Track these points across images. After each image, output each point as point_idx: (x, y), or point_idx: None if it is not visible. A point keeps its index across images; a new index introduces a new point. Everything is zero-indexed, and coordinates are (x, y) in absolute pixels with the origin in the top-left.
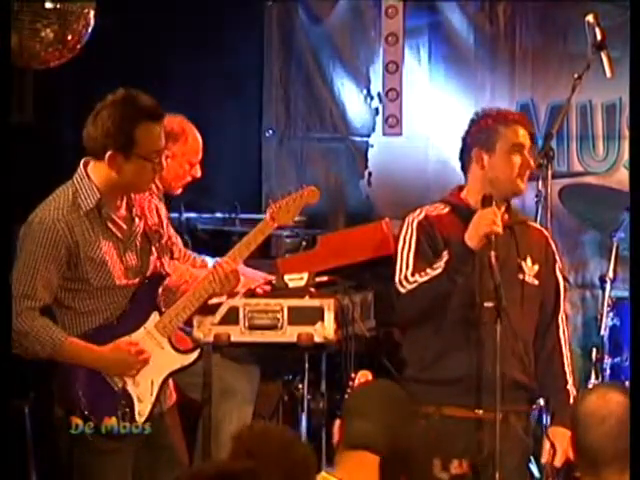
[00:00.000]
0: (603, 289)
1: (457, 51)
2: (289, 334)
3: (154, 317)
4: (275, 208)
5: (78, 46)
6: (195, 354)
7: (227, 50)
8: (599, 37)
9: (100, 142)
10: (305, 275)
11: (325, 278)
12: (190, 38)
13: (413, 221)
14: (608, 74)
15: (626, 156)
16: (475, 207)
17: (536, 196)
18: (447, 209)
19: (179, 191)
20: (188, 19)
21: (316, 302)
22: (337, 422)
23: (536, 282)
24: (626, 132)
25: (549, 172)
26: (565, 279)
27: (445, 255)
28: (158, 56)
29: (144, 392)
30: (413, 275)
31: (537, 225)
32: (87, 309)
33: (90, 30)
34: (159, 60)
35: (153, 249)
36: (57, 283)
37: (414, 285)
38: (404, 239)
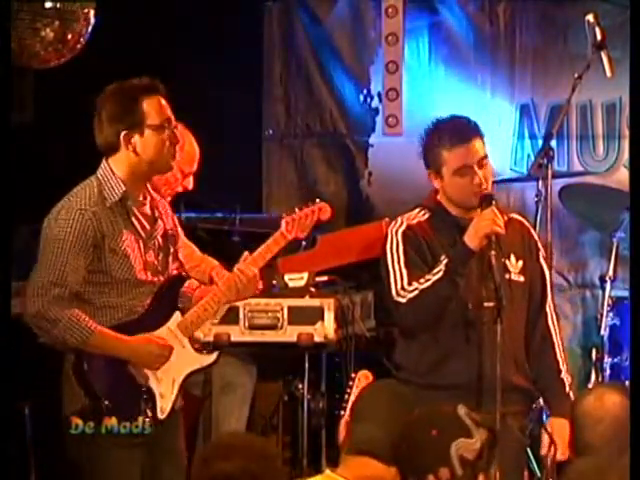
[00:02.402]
0: (603, 289)
1: (457, 51)
2: (289, 334)
3: (176, 317)
4: (290, 221)
5: (78, 46)
6: (214, 355)
7: (227, 50)
8: (599, 37)
9: (110, 130)
10: (305, 275)
11: (325, 278)
12: (190, 38)
13: (397, 232)
14: (608, 74)
15: (626, 156)
16: (451, 211)
17: (536, 196)
18: (427, 215)
19: (168, 199)
20: (188, 19)
21: (316, 302)
22: (343, 421)
23: (522, 278)
24: (626, 132)
25: (549, 172)
26: (564, 278)
27: (444, 258)
28: (158, 56)
29: (166, 389)
30: (410, 284)
31: (517, 216)
32: (105, 304)
33: (90, 30)
34: (159, 60)
35: (171, 251)
36: (83, 273)
37: (414, 293)
38: (391, 251)
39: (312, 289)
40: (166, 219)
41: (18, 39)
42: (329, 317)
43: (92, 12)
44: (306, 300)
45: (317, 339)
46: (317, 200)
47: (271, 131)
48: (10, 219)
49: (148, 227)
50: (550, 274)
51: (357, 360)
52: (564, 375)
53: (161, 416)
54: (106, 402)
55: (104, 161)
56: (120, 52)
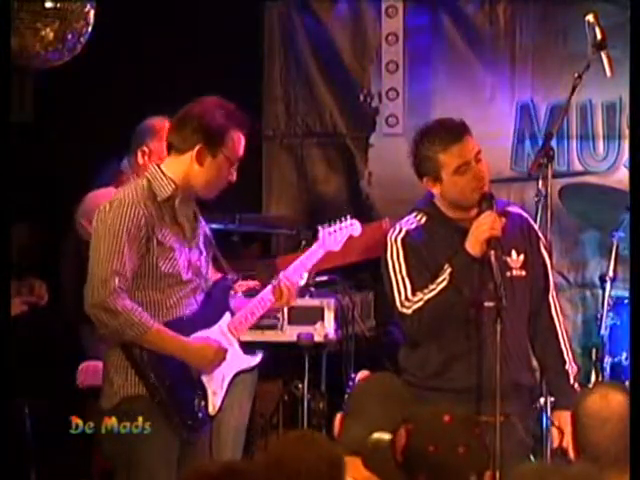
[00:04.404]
0: (603, 288)
1: (457, 51)
2: (289, 334)
3: (226, 317)
4: (326, 234)
5: (78, 46)
6: (259, 357)
7: (227, 50)
8: (599, 37)
9: (190, 137)
10: (305, 275)
11: (325, 278)
12: (190, 38)
13: (396, 240)
14: (608, 74)
15: (626, 155)
16: (449, 214)
17: (536, 195)
18: (424, 219)
19: None
20: (188, 19)
21: (316, 302)
22: (338, 416)
23: (523, 273)
24: (626, 132)
25: (549, 171)
26: (564, 278)
27: (447, 267)
28: (158, 56)
29: (217, 386)
30: (414, 294)
31: (515, 209)
32: (147, 299)
33: (90, 30)
34: (159, 60)
35: (210, 255)
36: (136, 266)
37: (419, 304)
38: (392, 260)
39: (312, 289)
40: (204, 225)
41: (18, 39)
42: (329, 317)
43: (92, 12)
44: (306, 300)
45: (317, 339)
46: (349, 217)
47: (271, 131)
48: (10, 219)
49: (191, 228)
50: (551, 263)
51: (357, 360)
52: (568, 366)
53: (212, 412)
54: (164, 395)
55: (153, 165)
56: (120, 52)
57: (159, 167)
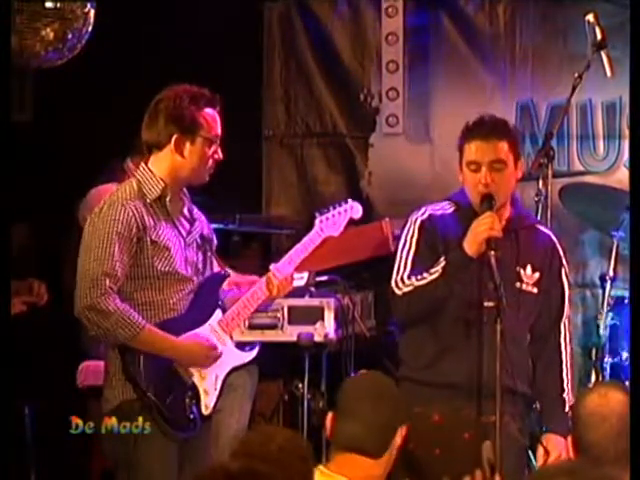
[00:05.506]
0: (603, 288)
1: (457, 51)
2: (289, 334)
3: (217, 314)
4: (324, 220)
5: (78, 46)
6: (254, 352)
7: (227, 50)
8: (599, 36)
9: (164, 130)
10: (305, 275)
11: (325, 278)
12: (190, 38)
13: (416, 220)
14: (608, 73)
15: (626, 155)
16: (476, 209)
17: (536, 195)
18: (452, 209)
19: None
20: (188, 19)
21: (316, 302)
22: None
23: (535, 290)
24: (626, 131)
25: (549, 171)
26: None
27: (443, 260)
28: (157, 56)
29: (210, 386)
30: (410, 278)
31: (546, 229)
32: (146, 301)
33: (90, 30)
34: (158, 60)
35: (209, 253)
36: (127, 267)
37: (409, 288)
38: (405, 238)
39: (312, 288)
40: (203, 223)
41: (18, 39)
42: (329, 317)
43: (92, 11)
44: (306, 300)
45: (317, 339)
46: (349, 200)
47: (271, 131)
48: (10, 218)
49: (187, 226)
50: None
51: (357, 360)
52: (566, 395)
53: (205, 412)
54: (153, 398)
55: (142, 164)
56: (120, 52)
57: (148, 166)
